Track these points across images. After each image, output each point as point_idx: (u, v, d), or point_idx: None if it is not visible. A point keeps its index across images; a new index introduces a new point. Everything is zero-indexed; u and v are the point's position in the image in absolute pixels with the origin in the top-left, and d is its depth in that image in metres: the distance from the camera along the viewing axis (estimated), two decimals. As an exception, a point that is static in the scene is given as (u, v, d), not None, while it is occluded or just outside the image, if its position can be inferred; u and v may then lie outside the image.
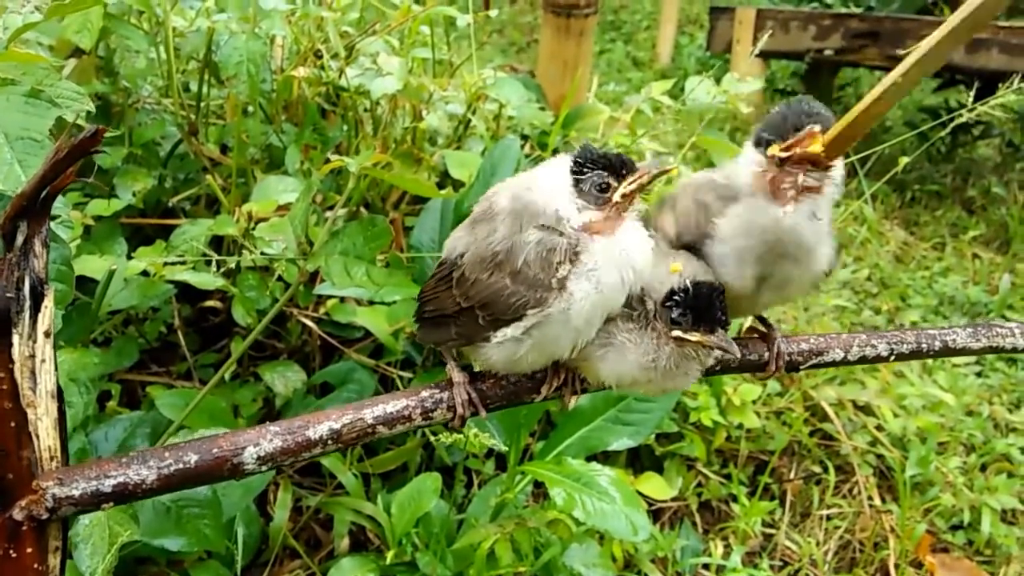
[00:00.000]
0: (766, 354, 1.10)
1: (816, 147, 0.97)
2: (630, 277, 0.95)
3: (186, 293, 2.03)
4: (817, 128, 0.97)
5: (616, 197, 0.95)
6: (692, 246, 1.06)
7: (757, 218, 1.02)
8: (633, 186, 0.95)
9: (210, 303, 2.12)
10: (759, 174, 1.03)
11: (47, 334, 0.71)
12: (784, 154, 0.99)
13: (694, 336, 0.94)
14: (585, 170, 0.95)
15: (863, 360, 1.10)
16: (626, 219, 0.96)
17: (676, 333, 0.94)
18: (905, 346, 1.10)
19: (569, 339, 0.96)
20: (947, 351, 1.12)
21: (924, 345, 1.11)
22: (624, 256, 0.94)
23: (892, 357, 1.10)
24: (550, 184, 0.97)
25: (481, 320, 0.96)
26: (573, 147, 1.02)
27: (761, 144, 1.02)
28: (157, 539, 1.43)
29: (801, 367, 1.10)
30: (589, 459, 1.83)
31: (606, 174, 0.95)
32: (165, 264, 1.78)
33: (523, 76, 3.42)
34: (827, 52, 4.91)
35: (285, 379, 1.97)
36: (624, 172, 0.95)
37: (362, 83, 2.24)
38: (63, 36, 1.88)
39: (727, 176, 1.07)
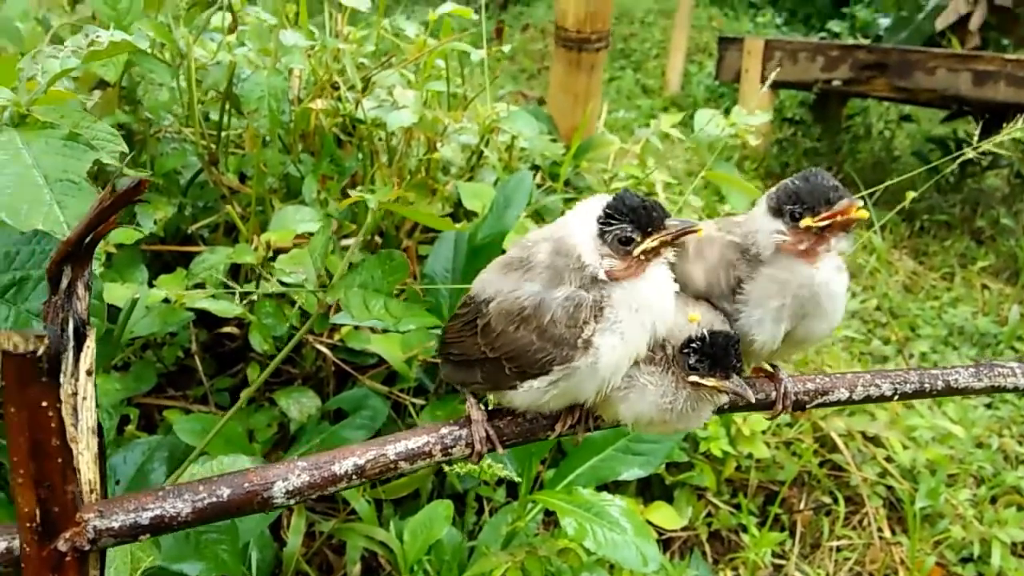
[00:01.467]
0: (773, 393, 1.14)
1: (864, 213, 1.02)
2: (651, 322, 0.96)
3: (203, 319, 2.07)
4: (859, 202, 1.02)
5: (637, 252, 0.95)
6: (711, 300, 1.10)
7: (790, 278, 1.06)
8: (655, 243, 0.95)
9: (227, 329, 2.16)
10: (788, 244, 1.06)
11: (89, 372, 0.75)
12: (824, 223, 1.03)
13: (710, 381, 0.97)
14: (612, 221, 0.95)
15: (868, 399, 1.13)
16: (649, 268, 0.97)
17: (693, 378, 0.98)
18: (908, 386, 1.13)
19: (595, 387, 0.98)
20: (949, 391, 1.14)
21: (927, 385, 1.14)
22: (646, 303, 0.96)
23: (896, 396, 1.12)
24: (579, 229, 0.98)
25: (508, 371, 0.98)
26: (609, 191, 1.02)
27: (784, 215, 1.06)
28: (176, 564, 1.45)
29: (807, 406, 1.13)
30: (600, 488, 1.85)
31: (630, 228, 0.95)
32: (185, 293, 1.82)
33: (534, 106, 3.48)
34: (835, 83, 4.96)
35: (300, 405, 2.00)
36: (650, 230, 0.95)
37: (378, 115, 2.29)
38: (88, 69, 1.94)
39: (744, 237, 1.10)
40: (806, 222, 1.04)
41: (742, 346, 1.08)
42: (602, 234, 0.96)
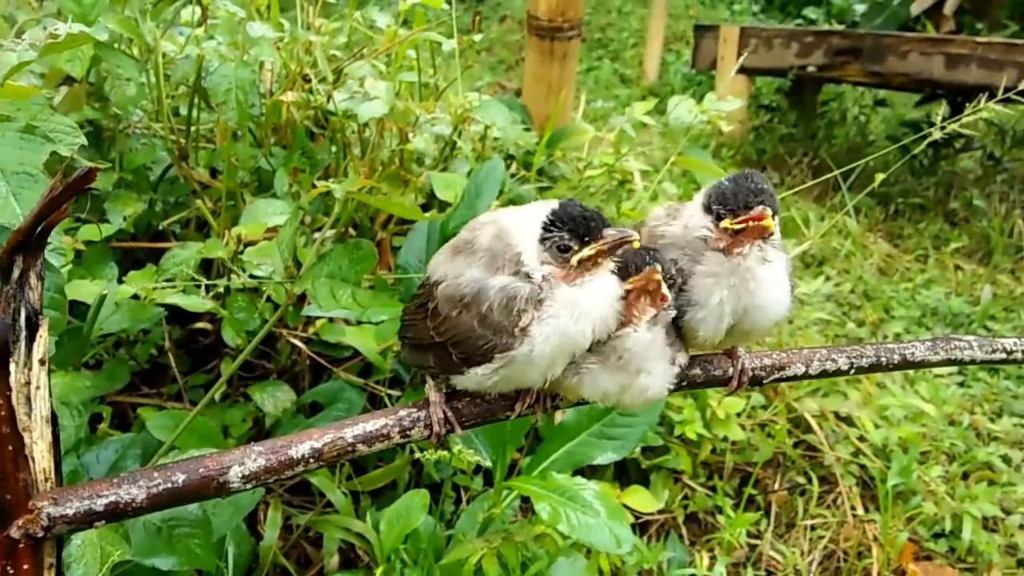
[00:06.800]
0: (730, 369, 1.15)
1: (770, 224, 1.06)
2: (589, 325, 0.99)
3: (176, 315, 2.06)
4: (768, 212, 1.06)
5: (574, 260, 0.99)
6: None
7: (721, 271, 1.10)
8: (591, 252, 0.99)
9: (200, 325, 2.15)
10: (712, 240, 1.11)
11: (42, 362, 0.75)
12: (738, 226, 1.08)
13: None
14: (552, 229, 0.99)
15: (824, 374, 1.15)
16: (588, 276, 1.00)
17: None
18: (864, 360, 1.15)
19: (536, 376, 1.01)
20: (906, 364, 1.16)
21: (883, 359, 1.16)
22: (585, 309, 0.99)
23: (852, 371, 1.14)
24: (523, 231, 1.01)
25: (454, 357, 1.01)
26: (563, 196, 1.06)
27: (711, 212, 1.11)
28: (148, 559, 1.45)
29: (764, 381, 1.15)
30: (576, 473, 1.87)
31: (568, 237, 0.98)
32: (155, 288, 1.81)
33: (509, 97, 3.48)
34: (810, 68, 4.98)
35: (274, 399, 2.00)
36: (587, 239, 0.99)
37: (350, 107, 2.28)
38: (54, 65, 1.93)
39: (684, 229, 1.14)
40: (725, 223, 1.09)
41: (688, 339, 1.11)
42: (543, 240, 0.99)
